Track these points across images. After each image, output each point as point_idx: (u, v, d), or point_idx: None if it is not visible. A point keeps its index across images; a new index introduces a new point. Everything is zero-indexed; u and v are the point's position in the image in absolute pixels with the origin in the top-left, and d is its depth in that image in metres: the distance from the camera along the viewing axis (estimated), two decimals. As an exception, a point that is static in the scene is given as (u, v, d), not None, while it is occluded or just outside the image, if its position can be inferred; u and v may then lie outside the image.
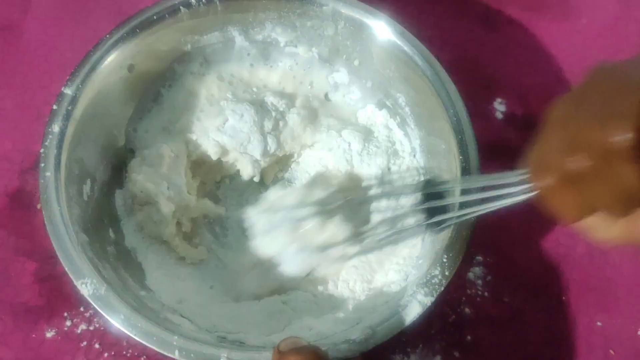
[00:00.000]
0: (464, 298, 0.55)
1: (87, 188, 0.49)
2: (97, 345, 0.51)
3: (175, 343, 0.40)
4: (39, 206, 0.56)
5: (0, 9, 0.66)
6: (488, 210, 0.40)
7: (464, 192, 0.44)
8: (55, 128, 0.46)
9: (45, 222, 0.43)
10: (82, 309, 0.52)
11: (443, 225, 0.45)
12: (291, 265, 0.50)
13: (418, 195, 0.49)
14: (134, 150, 0.55)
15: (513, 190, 0.37)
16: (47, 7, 0.67)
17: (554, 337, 0.55)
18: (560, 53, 0.69)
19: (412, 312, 0.42)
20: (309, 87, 0.60)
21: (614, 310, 0.56)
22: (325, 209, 0.50)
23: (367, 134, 0.57)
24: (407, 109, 0.56)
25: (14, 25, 0.65)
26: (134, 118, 0.55)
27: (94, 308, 0.41)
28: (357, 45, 0.57)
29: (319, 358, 0.35)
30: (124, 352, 0.51)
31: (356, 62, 0.58)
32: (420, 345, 0.53)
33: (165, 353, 0.39)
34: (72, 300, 0.52)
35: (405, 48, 0.53)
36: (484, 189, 0.39)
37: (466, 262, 0.56)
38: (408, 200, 0.52)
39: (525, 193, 0.36)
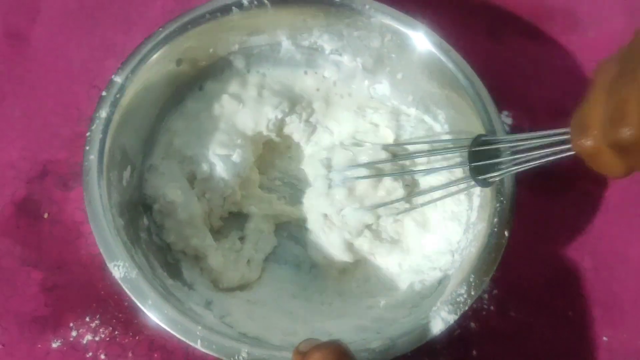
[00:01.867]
0: (469, 312, 0.54)
1: (127, 174, 0.49)
2: (102, 356, 0.51)
3: (198, 333, 0.40)
4: (45, 215, 0.56)
5: (8, 17, 0.66)
6: (533, 164, 0.42)
7: (512, 149, 0.45)
8: (103, 114, 0.47)
9: (85, 203, 0.44)
10: (87, 319, 0.52)
11: (490, 179, 0.45)
12: (349, 224, 0.52)
13: (464, 155, 0.49)
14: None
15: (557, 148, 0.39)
16: (56, 15, 0.67)
17: (560, 352, 0.55)
18: (567, 66, 0.69)
19: (435, 327, 0.42)
20: (349, 97, 0.61)
21: (620, 325, 0.56)
22: (376, 168, 0.52)
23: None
24: (445, 126, 0.57)
25: (22, 33, 0.65)
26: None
27: (121, 290, 0.42)
28: (401, 59, 0.57)
29: (342, 352, 0.35)
30: (129, 363, 0.51)
31: (399, 76, 0.58)
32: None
33: (188, 342, 0.40)
34: (78, 311, 0.52)
35: (450, 66, 0.53)
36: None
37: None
38: (455, 159, 0.53)
39: (565, 152, 0.38)
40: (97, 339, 0.51)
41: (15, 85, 0.63)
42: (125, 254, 0.43)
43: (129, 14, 0.67)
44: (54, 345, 0.51)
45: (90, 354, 0.51)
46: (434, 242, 0.53)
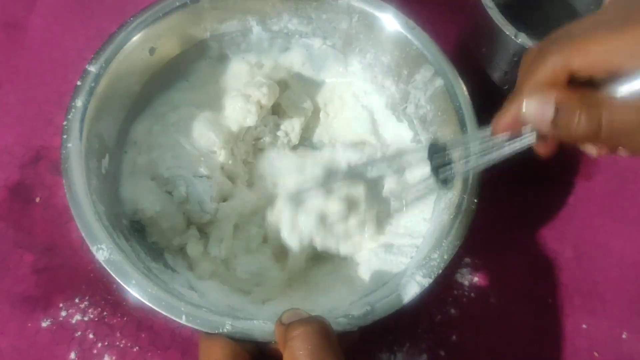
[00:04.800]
0: (450, 299, 0.56)
1: (105, 162, 0.50)
2: (91, 336, 0.52)
3: (182, 309, 0.41)
4: (37, 200, 0.57)
5: (6, 6, 0.68)
6: (490, 161, 0.42)
7: (467, 149, 0.46)
8: (79, 103, 0.48)
9: (65, 189, 0.45)
10: (77, 300, 0.53)
11: (450, 179, 0.46)
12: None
13: (425, 166, 0.49)
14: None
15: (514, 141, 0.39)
16: (52, 5, 0.68)
17: (539, 338, 0.56)
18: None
19: (410, 291, 0.43)
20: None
21: (600, 314, 0.57)
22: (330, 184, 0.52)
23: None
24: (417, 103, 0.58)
25: (19, 22, 0.67)
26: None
27: (108, 273, 0.42)
28: (369, 39, 0.58)
29: (325, 329, 0.36)
30: (117, 343, 0.52)
31: (368, 56, 0.60)
32: (407, 344, 0.54)
33: (173, 317, 0.41)
34: (68, 292, 0.54)
35: (416, 42, 0.54)
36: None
37: (454, 263, 0.57)
38: (416, 172, 0.54)
39: (523, 140, 0.39)
40: (86, 319, 0.53)
41: (11, 73, 0.64)
42: (107, 237, 0.43)
43: (124, 4, 0.68)
44: (44, 324, 0.52)
45: (79, 333, 0.52)
46: (410, 215, 0.55)
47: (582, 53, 0.34)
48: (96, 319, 0.53)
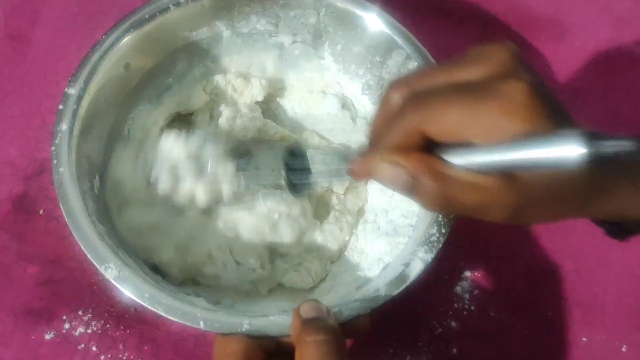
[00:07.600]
0: (450, 312, 0.57)
1: (97, 183, 0.50)
2: (94, 348, 0.52)
3: (199, 315, 0.41)
4: (41, 212, 0.57)
5: (10, 19, 0.68)
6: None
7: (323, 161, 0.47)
8: (64, 126, 0.48)
9: (64, 214, 0.45)
10: (80, 312, 0.54)
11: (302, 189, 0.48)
12: None
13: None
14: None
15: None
16: (56, 17, 0.69)
17: (539, 351, 0.56)
18: (553, 74, 0.71)
19: (415, 268, 0.44)
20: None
21: (600, 327, 0.58)
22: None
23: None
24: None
25: (23, 35, 0.67)
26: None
27: (119, 290, 0.42)
28: (338, 31, 0.59)
29: (337, 340, 0.37)
30: (120, 355, 0.52)
31: (339, 47, 0.61)
32: (408, 357, 0.55)
33: (191, 325, 0.41)
34: (71, 304, 0.54)
35: (385, 28, 0.55)
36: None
37: (454, 276, 0.58)
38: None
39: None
40: (89, 331, 0.53)
41: (15, 85, 0.64)
42: (113, 255, 0.43)
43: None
44: (47, 337, 0.52)
45: (82, 345, 0.52)
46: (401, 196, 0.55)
47: (437, 120, 0.33)
48: (99, 332, 0.53)
